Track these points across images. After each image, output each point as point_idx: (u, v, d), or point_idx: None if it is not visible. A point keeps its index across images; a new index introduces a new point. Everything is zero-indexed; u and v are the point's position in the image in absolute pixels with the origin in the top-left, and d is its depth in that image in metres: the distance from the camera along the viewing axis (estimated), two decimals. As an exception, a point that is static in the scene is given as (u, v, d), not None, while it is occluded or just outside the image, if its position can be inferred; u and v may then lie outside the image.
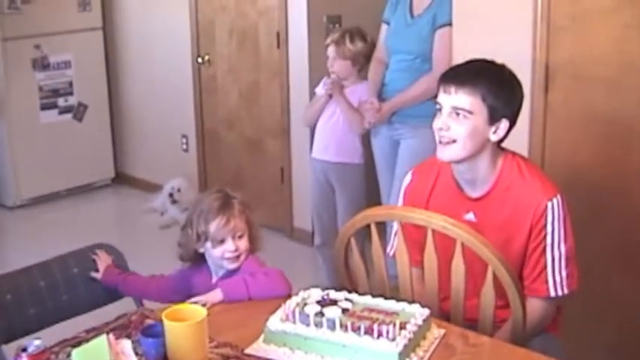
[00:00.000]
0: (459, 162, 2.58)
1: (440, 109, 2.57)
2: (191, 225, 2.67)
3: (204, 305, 2.33)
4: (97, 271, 2.85)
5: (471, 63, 2.67)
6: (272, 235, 5.63)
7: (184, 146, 6.21)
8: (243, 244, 2.67)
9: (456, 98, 2.51)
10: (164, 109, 6.34)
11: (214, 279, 2.69)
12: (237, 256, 2.65)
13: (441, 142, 2.57)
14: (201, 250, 2.70)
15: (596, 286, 3.45)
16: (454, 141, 2.53)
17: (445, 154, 2.57)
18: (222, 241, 2.64)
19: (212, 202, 2.67)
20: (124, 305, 2.78)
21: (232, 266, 2.65)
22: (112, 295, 2.86)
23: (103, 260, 2.87)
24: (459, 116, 2.51)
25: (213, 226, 2.63)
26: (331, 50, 4.39)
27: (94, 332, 2.28)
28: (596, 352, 3.57)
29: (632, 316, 3.49)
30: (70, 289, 2.79)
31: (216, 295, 2.50)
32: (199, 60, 5.89)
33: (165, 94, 6.29)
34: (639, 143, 3.36)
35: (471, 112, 2.51)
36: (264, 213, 5.71)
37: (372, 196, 4.55)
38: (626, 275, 3.50)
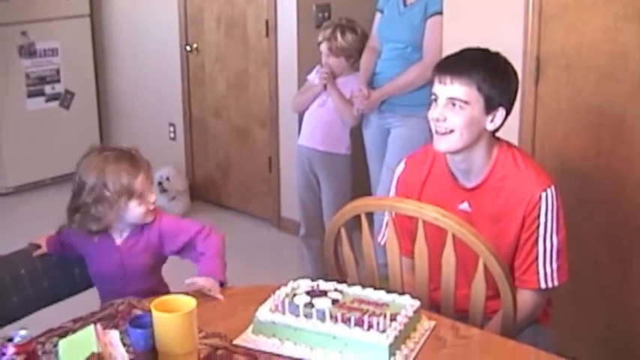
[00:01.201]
0: (455, 152, 2.56)
1: (435, 100, 2.55)
2: (105, 187, 2.53)
3: (208, 291, 2.40)
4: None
5: (465, 52, 2.65)
6: (259, 224, 5.63)
7: (172, 135, 6.18)
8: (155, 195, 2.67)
9: (451, 89, 2.50)
10: (152, 98, 6.30)
11: (119, 241, 2.65)
12: (154, 209, 2.64)
13: (437, 133, 2.55)
14: (112, 216, 2.59)
15: (586, 277, 3.45)
16: (451, 131, 2.52)
17: (442, 144, 2.55)
18: (142, 195, 2.57)
19: (125, 159, 2.57)
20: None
21: (150, 219, 2.62)
22: (90, 280, 2.82)
23: (40, 238, 2.81)
24: (455, 106, 2.50)
25: (139, 182, 2.56)
26: (324, 47, 4.37)
27: (80, 322, 2.26)
28: (584, 343, 3.57)
29: (621, 308, 3.50)
30: (49, 275, 2.77)
31: (211, 282, 2.46)
32: (187, 48, 5.85)
33: (153, 83, 6.25)
34: (630, 134, 3.35)
35: (467, 102, 2.49)
36: (252, 202, 5.71)
37: (357, 188, 4.54)
38: (615, 266, 3.50)
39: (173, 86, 6.05)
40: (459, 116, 2.50)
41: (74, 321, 2.27)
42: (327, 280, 2.37)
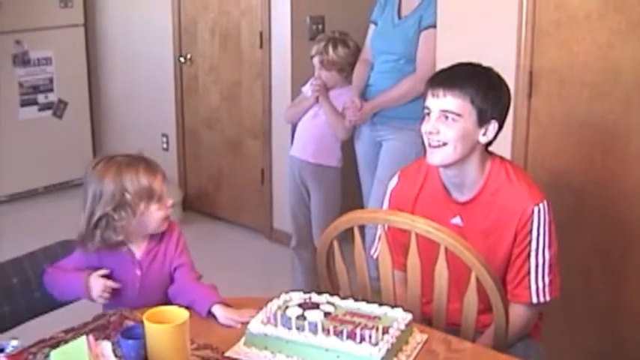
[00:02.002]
0: (448, 166, 2.57)
1: (428, 114, 2.56)
2: (125, 191, 2.42)
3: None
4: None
5: (457, 66, 2.66)
6: (252, 236, 5.62)
7: (164, 145, 6.18)
8: None
9: (444, 101, 2.51)
10: (145, 108, 6.30)
11: (139, 254, 2.53)
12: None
13: (430, 145, 2.56)
14: (134, 223, 2.47)
15: (577, 291, 3.45)
16: (445, 144, 2.52)
17: (435, 157, 2.56)
18: (161, 198, 2.49)
19: (140, 162, 2.49)
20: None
21: (164, 227, 2.54)
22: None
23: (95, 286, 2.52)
24: (448, 119, 2.51)
25: (158, 182, 2.49)
26: (316, 61, 4.38)
27: (72, 332, 2.26)
28: (575, 357, 3.57)
29: (612, 322, 3.50)
30: (41, 285, 2.74)
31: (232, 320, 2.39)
32: (181, 59, 5.86)
33: (146, 93, 6.25)
34: (622, 150, 3.36)
35: (459, 115, 2.50)
36: (244, 214, 5.70)
37: (347, 200, 4.54)
38: (606, 280, 3.51)
39: (166, 97, 6.05)
40: (452, 129, 2.51)
41: (66, 332, 2.27)
42: (318, 291, 2.37)
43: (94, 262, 2.51)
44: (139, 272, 2.51)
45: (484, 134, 2.55)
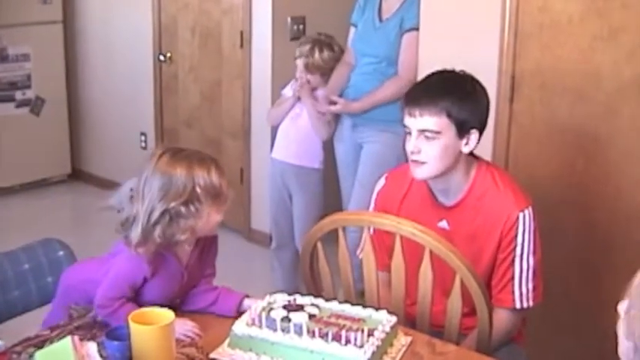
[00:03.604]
0: (433, 179, 2.58)
1: (409, 132, 2.56)
2: (198, 185, 2.25)
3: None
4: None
5: (431, 78, 2.66)
6: (229, 236, 5.59)
7: (143, 144, 6.14)
8: None
9: (421, 121, 2.50)
10: (123, 106, 6.26)
11: (185, 259, 2.39)
12: None
13: (412, 162, 2.56)
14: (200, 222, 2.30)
15: (557, 296, 3.46)
16: (424, 163, 2.53)
17: (418, 173, 2.57)
18: (225, 202, 2.35)
19: (210, 160, 2.32)
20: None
21: (215, 232, 2.42)
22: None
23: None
24: (428, 138, 2.50)
25: (225, 185, 2.34)
26: (300, 64, 4.36)
27: (58, 330, 2.23)
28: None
29: (592, 327, 3.51)
30: (20, 284, 2.72)
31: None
32: (161, 58, 5.83)
33: (125, 91, 6.21)
34: (603, 155, 3.38)
35: (438, 132, 2.49)
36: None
37: (327, 201, 4.54)
38: (585, 285, 3.53)
39: (145, 95, 6.02)
40: (432, 147, 2.51)
41: (51, 329, 2.25)
42: (297, 293, 2.37)
43: (145, 269, 2.30)
44: (185, 278, 2.39)
45: (466, 144, 2.55)
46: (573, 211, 3.52)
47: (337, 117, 4.40)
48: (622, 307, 1.47)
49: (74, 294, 2.45)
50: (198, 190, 2.25)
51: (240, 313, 2.33)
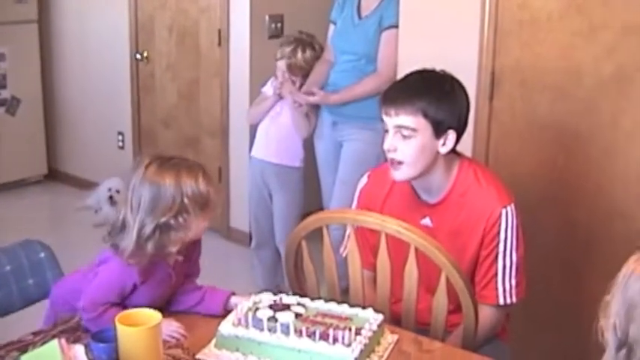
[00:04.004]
0: (412, 179, 2.58)
1: (387, 130, 2.56)
2: (185, 196, 2.23)
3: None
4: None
5: (409, 77, 2.64)
6: (208, 235, 5.47)
7: (120, 143, 6.11)
8: None
9: (397, 120, 2.50)
10: (100, 106, 6.22)
11: (172, 262, 2.36)
12: None
13: (391, 163, 2.56)
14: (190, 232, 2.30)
15: (538, 292, 3.47)
16: (401, 163, 2.53)
17: (397, 175, 2.57)
18: (213, 210, 2.33)
19: (198, 168, 2.30)
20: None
21: (201, 236, 2.40)
22: (43, 292, 2.76)
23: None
24: (405, 136, 2.50)
25: (213, 192, 2.32)
26: (282, 65, 4.35)
27: (41, 335, 2.21)
28: (535, 356, 3.59)
29: (573, 323, 3.52)
30: (1, 286, 2.67)
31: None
32: (138, 56, 5.80)
33: (102, 90, 6.17)
34: (583, 151, 3.40)
35: (415, 130, 2.49)
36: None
37: (307, 199, 4.54)
38: (566, 281, 3.54)
39: (122, 95, 5.98)
40: (409, 146, 2.50)
41: (34, 334, 2.23)
42: (278, 292, 2.36)
43: (135, 277, 2.29)
44: (174, 280, 2.38)
45: (443, 144, 2.54)
46: (554, 207, 3.53)
47: (317, 115, 4.39)
48: (607, 300, 1.50)
49: (60, 306, 2.44)
50: (186, 200, 2.24)
51: (227, 311, 2.33)
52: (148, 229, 2.23)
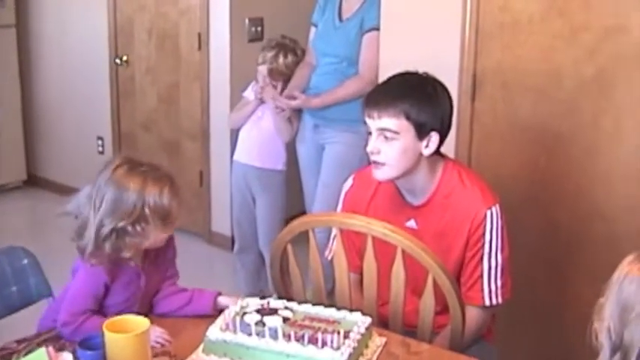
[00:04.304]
0: (394, 179, 2.59)
1: (370, 132, 2.56)
2: (147, 206, 2.24)
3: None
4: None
5: (392, 80, 2.65)
6: (190, 239, 5.55)
7: (100, 148, 6.08)
8: None
9: (379, 122, 2.51)
10: (79, 110, 6.18)
11: (140, 263, 2.38)
12: None
13: (373, 163, 2.57)
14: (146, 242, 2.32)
15: (521, 293, 3.47)
16: (383, 164, 2.54)
17: (378, 174, 2.58)
18: (173, 223, 2.34)
19: (166, 180, 2.31)
20: (39, 310, 2.68)
21: (161, 245, 2.39)
22: (26, 299, 2.75)
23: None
24: (388, 138, 2.51)
25: (176, 206, 2.32)
26: (263, 69, 4.34)
27: (25, 343, 2.20)
28: (519, 356, 3.61)
29: (556, 323, 3.55)
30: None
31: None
32: (117, 60, 5.77)
33: (81, 95, 6.13)
34: (565, 152, 3.41)
35: (397, 133, 2.50)
36: (182, 217, 5.57)
37: (292, 203, 4.54)
38: (550, 282, 3.56)
39: (102, 99, 5.95)
40: (391, 148, 2.51)
41: (18, 342, 2.21)
42: (262, 297, 2.36)
43: (103, 276, 2.30)
44: (143, 282, 2.39)
45: (426, 146, 2.54)
46: (536, 208, 3.54)
47: (299, 118, 4.39)
48: (600, 303, 1.51)
49: (46, 324, 2.43)
50: (147, 210, 2.26)
51: (216, 310, 2.36)
52: (106, 230, 2.24)
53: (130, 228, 2.25)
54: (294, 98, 4.20)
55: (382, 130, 2.51)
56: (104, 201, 2.25)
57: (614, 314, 1.46)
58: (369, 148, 2.56)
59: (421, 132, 2.51)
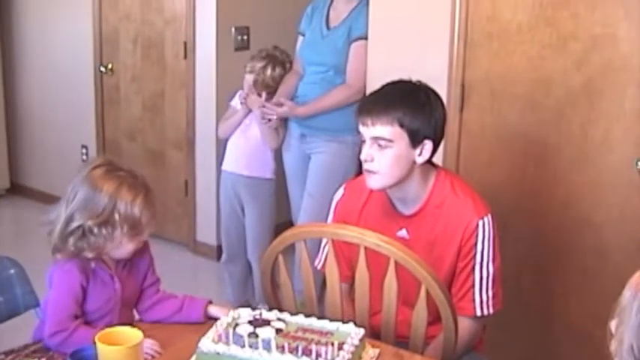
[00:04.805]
0: (387, 188, 2.58)
1: (363, 141, 2.56)
2: (116, 211, 2.25)
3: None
4: None
5: (385, 88, 2.64)
6: (175, 248, 5.54)
7: (84, 157, 6.04)
8: None
9: (373, 130, 2.50)
10: (64, 119, 6.15)
11: (114, 267, 2.38)
12: None
13: (367, 171, 2.56)
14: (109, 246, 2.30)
15: (509, 301, 3.47)
16: (376, 172, 2.53)
17: (372, 183, 2.56)
18: (141, 234, 2.33)
19: (141, 190, 2.30)
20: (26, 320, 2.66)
21: (129, 256, 2.38)
22: (13, 310, 2.71)
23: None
24: (381, 146, 2.50)
25: (146, 218, 2.30)
26: (249, 78, 4.32)
27: (12, 355, 2.17)
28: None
29: (544, 330, 3.55)
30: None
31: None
32: (102, 69, 5.75)
33: (65, 103, 6.10)
34: (552, 161, 3.42)
35: (391, 141, 2.49)
36: (167, 226, 5.61)
37: (280, 211, 4.52)
38: (536, 291, 3.56)
39: (86, 107, 5.92)
40: (385, 156, 2.51)
41: (5, 353, 2.18)
42: (248, 306, 2.37)
43: (77, 275, 2.29)
44: (118, 286, 2.38)
45: (420, 154, 2.54)
46: (524, 217, 3.55)
47: (286, 127, 4.37)
48: (612, 325, 1.49)
49: (40, 335, 2.39)
50: (116, 216, 2.26)
51: (207, 318, 2.38)
52: (73, 225, 2.25)
53: (95, 229, 2.25)
54: (282, 105, 4.18)
55: (376, 138, 2.50)
56: (76, 197, 2.27)
57: (635, 332, 1.43)
58: (362, 156, 2.55)
59: (415, 140, 2.51)
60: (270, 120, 4.22)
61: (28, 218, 6.02)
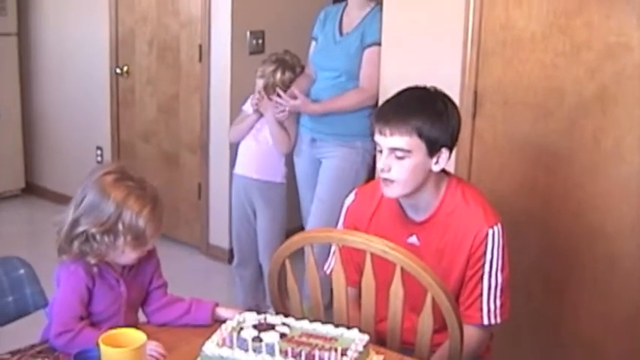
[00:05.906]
0: (403, 197, 2.57)
1: (380, 150, 2.55)
2: (120, 221, 2.26)
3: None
4: None
5: (402, 95, 2.62)
6: (187, 251, 5.55)
7: (99, 158, 6.06)
8: None
9: (392, 140, 2.49)
10: (79, 120, 6.18)
11: (119, 271, 2.39)
12: None
13: (383, 180, 2.55)
14: (111, 254, 2.32)
15: (519, 309, 3.46)
16: (393, 181, 2.52)
17: (388, 192, 2.56)
18: (144, 245, 2.33)
19: (149, 202, 2.29)
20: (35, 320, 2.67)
21: (133, 263, 2.39)
22: (22, 310, 2.72)
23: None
24: (399, 157, 2.49)
25: (150, 231, 2.30)
26: (260, 82, 4.33)
27: (19, 355, 2.18)
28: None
29: (554, 339, 3.54)
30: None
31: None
32: (117, 71, 5.77)
33: (81, 104, 6.13)
34: (565, 169, 3.41)
35: (409, 151, 2.48)
36: (180, 229, 5.63)
37: (291, 215, 4.52)
38: (547, 299, 3.55)
39: (101, 109, 5.95)
40: (402, 167, 2.50)
41: (12, 353, 2.19)
42: (257, 310, 2.35)
43: (83, 276, 2.31)
44: (123, 289, 2.39)
45: (436, 163, 2.53)
46: (535, 226, 3.54)
47: (297, 131, 4.37)
48: None
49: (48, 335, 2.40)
50: (120, 226, 2.27)
51: (215, 321, 2.39)
52: (78, 230, 2.27)
53: (98, 236, 2.26)
54: (296, 98, 4.18)
55: (394, 149, 2.49)
56: (84, 201, 2.28)
57: None
58: (379, 165, 2.54)
59: (432, 149, 2.50)
60: (283, 111, 4.22)
61: (42, 218, 6.04)
